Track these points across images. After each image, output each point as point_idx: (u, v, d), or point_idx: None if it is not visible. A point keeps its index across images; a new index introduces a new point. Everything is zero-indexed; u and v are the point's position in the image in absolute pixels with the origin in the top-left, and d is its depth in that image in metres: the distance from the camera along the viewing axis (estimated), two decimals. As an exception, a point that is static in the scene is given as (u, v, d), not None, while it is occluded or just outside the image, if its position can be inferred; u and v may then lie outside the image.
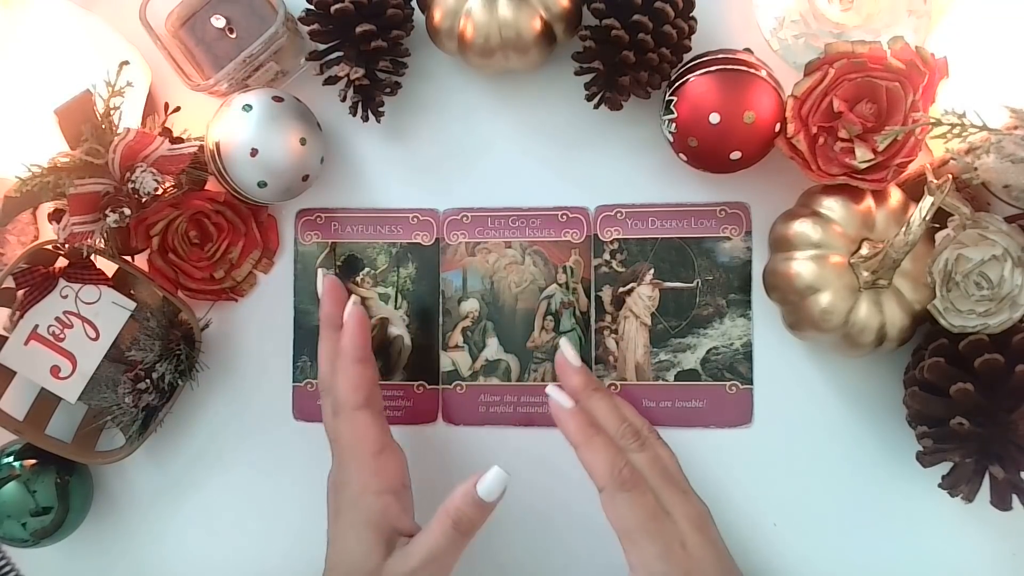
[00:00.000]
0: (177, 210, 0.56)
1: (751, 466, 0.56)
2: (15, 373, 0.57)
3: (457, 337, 0.59)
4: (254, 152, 0.52)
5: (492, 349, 0.59)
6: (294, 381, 0.60)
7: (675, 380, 0.57)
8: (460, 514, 0.47)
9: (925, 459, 0.50)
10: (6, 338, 0.56)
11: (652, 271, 0.58)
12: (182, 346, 0.56)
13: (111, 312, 0.57)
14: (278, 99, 0.53)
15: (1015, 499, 0.48)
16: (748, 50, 0.52)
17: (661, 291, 0.58)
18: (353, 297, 0.54)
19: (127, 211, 0.52)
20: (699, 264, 0.57)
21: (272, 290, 0.60)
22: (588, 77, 0.53)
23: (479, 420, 0.58)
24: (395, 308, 0.59)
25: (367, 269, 0.59)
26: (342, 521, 0.49)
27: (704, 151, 0.51)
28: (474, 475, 0.48)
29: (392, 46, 0.54)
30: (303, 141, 0.54)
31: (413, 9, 0.55)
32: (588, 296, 0.58)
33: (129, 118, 0.53)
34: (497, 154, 0.59)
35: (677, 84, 0.51)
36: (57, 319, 0.56)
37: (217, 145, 0.53)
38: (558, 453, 0.57)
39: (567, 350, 0.53)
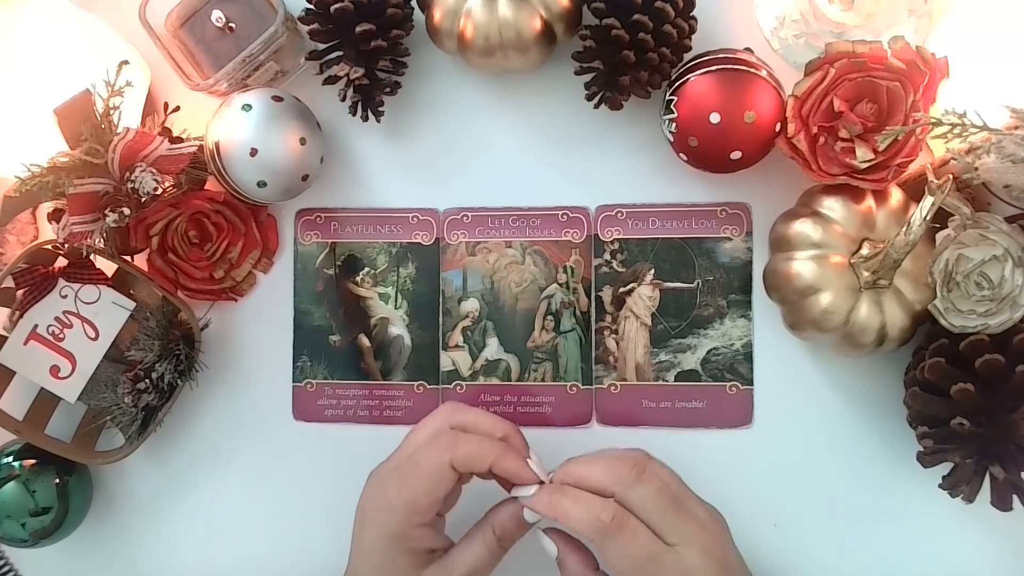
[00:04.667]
0: (177, 210, 0.56)
1: (751, 466, 0.56)
2: (14, 373, 0.57)
3: (457, 337, 0.59)
4: (254, 152, 0.52)
5: (492, 349, 0.59)
6: (294, 381, 0.59)
7: (675, 380, 0.57)
8: (505, 532, 0.48)
9: (926, 459, 0.50)
10: (6, 338, 0.56)
11: (652, 271, 0.57)
12: (181, 346, 0.56)
13: (111, 312, 0.57)
14: (278, 99, 0.53)
15: (1015, 499, 0.48)
16: (748, 50, 0.52)
17: (661, 291, 0.57)
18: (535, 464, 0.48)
19: (126, 211, 0.52)
20: (699, 264, 0.57)
21: (272, 290, 0.60)
22: (588, 77, 0.53)
23: (479, 420, 0.58)
24: (395, 308, 0.59)
25: (367, 269, 0.59)
26: (374, 534, 0.48)
27: (704, 151, 0.51)
28: (517, 490, 0.48)
29: (392, 46, 0.54)
30: (303, 141, 0.53)
31: (413, 9, 0.55)
32: (588, 296, 0.58)
33: (129, 118, 0.53)
34: (497, 154, 0.58)
35: (677, 84, 0.51)
36: (57, 319, 0.56)
37: (217, 145, 0.53)
38: (558, 452, 0.57)
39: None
